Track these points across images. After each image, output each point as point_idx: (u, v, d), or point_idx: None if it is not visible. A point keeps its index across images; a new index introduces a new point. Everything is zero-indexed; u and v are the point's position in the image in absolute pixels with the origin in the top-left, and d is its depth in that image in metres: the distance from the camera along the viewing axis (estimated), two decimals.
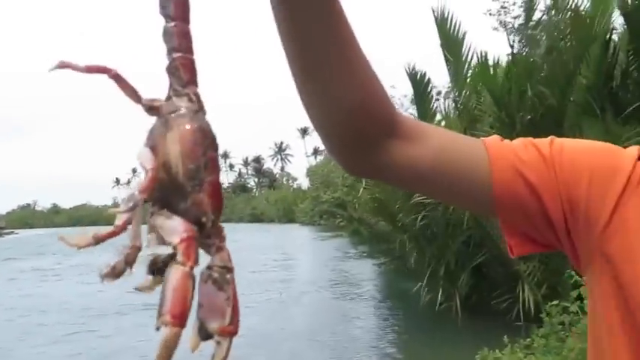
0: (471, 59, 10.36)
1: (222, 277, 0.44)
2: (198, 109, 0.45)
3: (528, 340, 5.48)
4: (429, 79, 10.78)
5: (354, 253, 24.59)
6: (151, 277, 0.43)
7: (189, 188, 0.43)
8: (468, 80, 10.57)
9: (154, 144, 0.43)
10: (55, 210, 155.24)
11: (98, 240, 0.42)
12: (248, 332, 9.99)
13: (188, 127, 0.43)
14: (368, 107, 0.71)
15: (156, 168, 0.43)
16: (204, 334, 0.44)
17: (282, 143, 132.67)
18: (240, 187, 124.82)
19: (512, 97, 9.26)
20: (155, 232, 0.43)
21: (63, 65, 0.43)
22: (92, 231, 0.42)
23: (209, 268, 0.44)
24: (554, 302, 5.70)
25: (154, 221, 0.43)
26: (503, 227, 0.77)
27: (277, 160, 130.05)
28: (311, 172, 65.44)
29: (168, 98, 0.45)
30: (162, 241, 0.43)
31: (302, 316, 11.46)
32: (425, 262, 10.68)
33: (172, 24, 0.46)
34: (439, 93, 15.05)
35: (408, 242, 11.05)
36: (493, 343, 5.26)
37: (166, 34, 0.46)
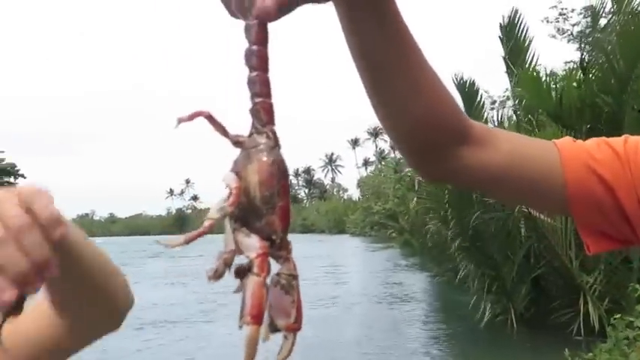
0: (534, 67, 10.12)
1: (289, 283, 0.53)
2: (275, 145, 0.54)
3: (590, 354, 5.29)
4: (478, 87, 10.63)
5: (405, 265, 24.36)
6: (239, 281, 0.52)
7: (264, 211, 0.52)
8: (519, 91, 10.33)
9: (237, 171, 0.53)
10: (112, 219, 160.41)
11: (188, 240, 0.51)
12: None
13: (265, 160, 0.53)
14: (434, 118, 0.73)
15: (239, 187, 0.52)
16: (273, 329, 0.52)
17: (332, 154, 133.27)
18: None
19: (571, 110, 9.01)
20: (234, 244, 0.53)
21: (181, 120, 0.53)
22: (183, 236, 0.51)
23: (278, 275, 0.53)
24: (619, 315, 5.48)
25: (235, 236, 0.53)
26: (578, 226, 0.78)
27: (328, 171, 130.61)
28: (362, 183, 65.44)
29: (250, 135, 0.54)
30: (239, 251, 0.52)
31: (352, 327, 11.41)
32: (480, 274, 10.45)
33: (255, 74, 0.55)
34: (494, 102, 14.78)
35: (464, 253, 10.84)
36: (552, 358, 5.09)
37: (250, 82, 0.55)
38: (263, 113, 0.55)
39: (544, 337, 8.92)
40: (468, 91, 10.48)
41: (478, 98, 10.70)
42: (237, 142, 0.54)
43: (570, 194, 0.75)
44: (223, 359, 8.30)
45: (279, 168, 0.54)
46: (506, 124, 11.02)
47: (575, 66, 10.33)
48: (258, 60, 0.55)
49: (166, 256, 33.81)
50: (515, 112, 10.80)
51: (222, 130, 0.54)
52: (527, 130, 9.32)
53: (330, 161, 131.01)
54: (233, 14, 0.59)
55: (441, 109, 0.74)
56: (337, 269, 24.36)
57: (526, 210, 8.92)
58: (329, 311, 13.40)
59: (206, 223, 0.51)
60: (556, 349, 5.54)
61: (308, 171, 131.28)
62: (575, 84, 9.46)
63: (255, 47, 0.56)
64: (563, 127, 8.87)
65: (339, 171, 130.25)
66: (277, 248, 0.53)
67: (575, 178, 0.74)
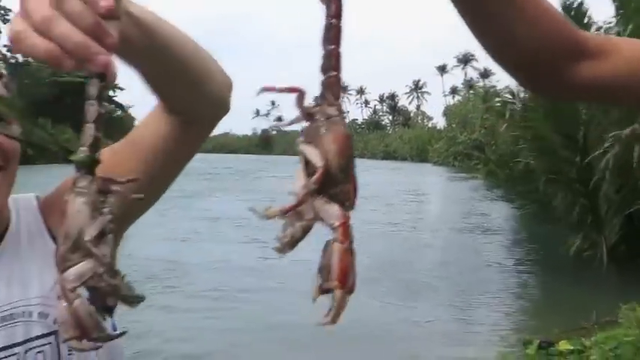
0: None
1: (344, 247, 0.53)
2: (344, 118, 0.57)
3: None
4: (586, 9, 10.02)
5: (490, 196, 23.88)
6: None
7: (341, 179, 0.53)
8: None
9: (312, 142, 0.54)
10: None
11: (284, 211, 0.53)
12: (374, 256, 10.21)
13: (342, 130, 0.55)
14: (542, 36, 0.73)
15: (326, 165, 0.52)
16: (325, 290, 0.53)
17: (419, 81, 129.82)
18: (374, 124, 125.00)
19: None
20: (313, 211, 0.54)
21: (266, 89, 0.56)
22: (274, 204, 0.53)
23: (334, 238, 0.53)
24: None
25: (314, 204, 0.53)
26: None
27: (413, 98, 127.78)
28: (448, 112, 63.80)
29: (318, 106, 0.56)
30: (319, 219, 0.53)
31: (432, 251, 11.46)
32: (570, 208, 10.09)
33: (332, 47, 0.57)
34: (598, 29, 13.75)
35: (557, 183, 10.44)
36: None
37: (326, 55, 0.57)
38: (335, 87, 0.56)
39: (633, 275, 8.60)
40: (575, 14, 9.93)
41: (585, 20, 10.10)
42: (309, 114, 0.56)
43: None
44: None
45: (351, 138, 0.55)
46: None
47: None
48: (335, 34, 0.57)
49: (252, 176, 34.88)
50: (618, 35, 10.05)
51: (301, 103, 0.56)
52: None
53: (416, 88, 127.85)
54: None
55: (548, 26, 0.73)
56: (418, 197, 24.29)
57: None
58: (409, 233, 13.50)
59: (298, 199, 0.52)
60: None
61: (392, 97, 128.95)
62: None
63: (333, 21, 0.57)
64: None
65: (424, 98, 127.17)
66: None
67: None
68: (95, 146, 0.51)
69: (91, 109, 0.52)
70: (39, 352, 0.93)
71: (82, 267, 0.47)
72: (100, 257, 0.47)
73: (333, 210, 0.53)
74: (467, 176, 36.99)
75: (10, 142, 0.92)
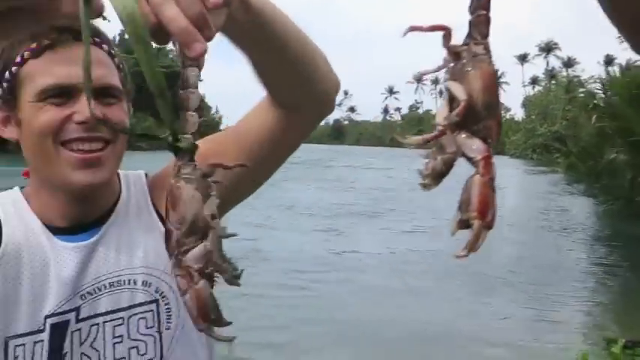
0: None
1: (484, 180, 0.54)
2: (490, 56, 0.57)
3: None
4: None
5: (570, 190, 22.93)
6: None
7: (484, 115, 0.53)
8: None
9: (456, 79, 0.55)
10: None
11: (426, 141, 0.54)
12: (449, 251, 9.99)
13: (489, 67, 0.55)
14: None
15: (469, 100, 0.53)
16: (464, 225, 0.54)
17: (497, 70, 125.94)
18: None
19: None
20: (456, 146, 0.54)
21: (413, 28, 0.56)
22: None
23: (476, 173, 0.54)
24: None
25: (457, 139, 0.54)
26: None
27: None
28: (527, 103, 61.59)
29: (466, 44, 0.56)
30: (461, 153, 0.54)
31: (508, 246, 11.13)
32: None
33: None
34: None
35: None
36: None
37: None
38: (484, 26, 0.56)
39: None
40: None
41: None
42: (455, 53, 0.56)
43: None
44: None
45: (496, 76, 0.56)
46: None
47: None
48: None
49: (323, 166, 35.04)
50: None
51: (449, 42, 0.56)
52: None
53: None
54: None
55: None
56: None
57: None
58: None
59: (439, 129, 0.53)
60: None
61: None
62: None
63: None
64: None
65: (502, 89, 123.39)
66: None
67: None
68: (197, 133, 0.53)
69: (193, 97, 0.54)
70: (141, 318, 0.99)
71: (199, 250, 0.50)
72: (216, 238, 0.50)
73: (476, 144, 0.53)
74: (546, 170, 35.68)
75: (118, 117, 0.97)
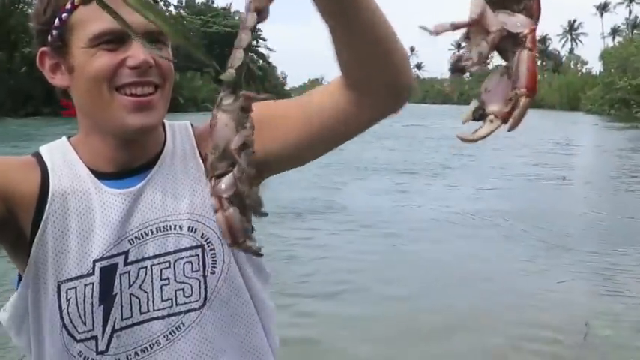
0: None
1: (533, 54, 0.54)
2: None
3: None
4: None
5: None
6: (483, 125, 0.54)
7: None
8: None
9: None
10: None
11: (455, 27, 0.53)
12: (519, 208, 9.80)
13: None
14: None
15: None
16: (479, 116, 0.54)
17: (574, 21, 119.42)
18: None
19: None
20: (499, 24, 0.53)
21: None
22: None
23: (505, 67, 0.54)
24: None
25: (498, 17, 0.53)
26: None
27: (566, 40, 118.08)
28: (606, 55, 58.14)
29: None
30: (504, 31, 0.52)
31: (582, 205, 10.73)
32: None
33: None
34: None
35: None
36: None
37: None
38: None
39: None
40: None
41: None
42: None
43: None
44: None
45: None
46: None
47: None
48: None
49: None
50: None
51: None
52: None
53: (571, 29, 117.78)
54: None
55: None
56: (569, 147, 22.73)
57: None
58: (559, 187, 12.76)
59: (472, 16, 0.53)
60: None
61: (543, 40, 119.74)
62: None
63: None
64: None
65: (579, 41, 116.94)
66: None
67: None
68: (241, 68, 0.55)
69: (244, 37, 0.55)
70: (187, 262, 1.02)
71: (228, 179, 0.53)
72: (244, 165, 0.52)
73: (521, 19, 0.53)
74: (625, 125, 33.84)
75: (166, 62, 0.99)
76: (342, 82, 0.92)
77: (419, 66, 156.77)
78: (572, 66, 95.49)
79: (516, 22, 0.53)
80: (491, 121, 0.54)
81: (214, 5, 76.11)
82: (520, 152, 18.68)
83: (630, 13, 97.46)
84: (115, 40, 0.95)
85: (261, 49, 76.50)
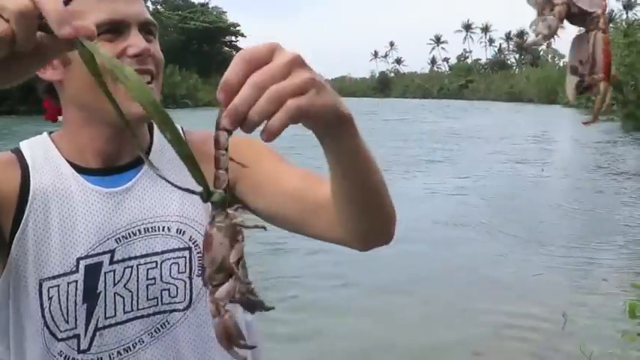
0: None
1: (607, 37, 0.53)
2: None
3: None
4: None
5: (627, 139, 22.10)
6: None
7: None
8: None
9: None
10: None
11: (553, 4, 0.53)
12: (495, 199, 9.92)
13: None
14: None
15: None
16: (582, 88, 0.53)
17: None
18: (500, 64, 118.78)
19: None
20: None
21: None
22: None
23: (597, 30, 0.53)
24: None
25: None
26: None
27: None
28: None
29: None
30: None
31: (557, 195, 10.89)
32: None
33: None
34: None
35: None
36: None
37: None
38: None
39: None
40: None
41: None
42: None
43: None
44: None
45: None
46: None
47: None
48: None
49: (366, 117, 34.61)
50: None
51: None
52: None
53: None
54: None
55: None
56: (546, 137, 23.04)
57: None
58: (537, 173, 12.93)
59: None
60: None
61: (521, 34, 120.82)
62: None
63: None
64: None
65: (557, 35, 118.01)
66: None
67: None
68: (226, 187, 0.60)
69: (222, 158, 0.59)
70: (174, 263, 1.02)
71: (228, 286, 0.59)
72: (242, 278, 0.59)
73: None
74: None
75: (159, 52, 1.00)
76: (334, 219, 0.92)
77: (398, 61, 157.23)
78: (549, 60, 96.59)
79: (590, 0, 0.52)
80: (603, 88, 0.53)
81: (192, 1, 75.56)
82: (498, 146, 18.88)
83: (606, 7, 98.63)
84: (113, 29, 0.95)
85: (241, 44, 76.16)
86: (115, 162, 1.03)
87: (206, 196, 0.59)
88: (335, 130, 0.72)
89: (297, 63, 0.61)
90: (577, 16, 0.52)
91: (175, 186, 0.62)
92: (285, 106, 0.58)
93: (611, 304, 5.20)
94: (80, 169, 1.02)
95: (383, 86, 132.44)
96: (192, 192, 0.59)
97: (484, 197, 10.60)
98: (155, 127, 1.09)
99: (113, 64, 0.56)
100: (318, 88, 0.62)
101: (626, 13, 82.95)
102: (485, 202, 10.16)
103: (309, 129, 0.69)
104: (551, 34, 0.51)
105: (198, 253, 1.02)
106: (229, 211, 0.60)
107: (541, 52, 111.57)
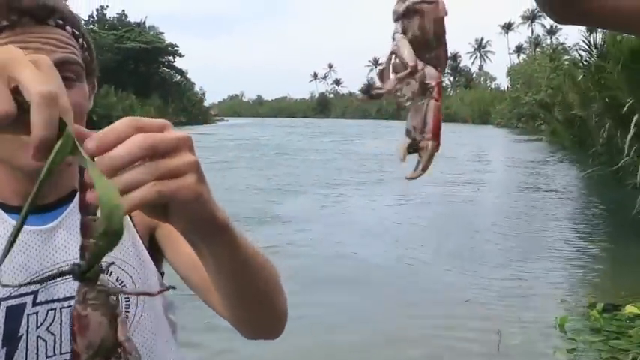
0: None
1: (439, 104, 0.60)
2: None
3: None
4: None
5: (555, 158, 23.15)
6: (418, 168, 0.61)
7: (435, 45, 0.59)
8: None
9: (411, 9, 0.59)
10: (259, 101, 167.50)
11: (400, 79, 0.58)
12: (433, 218, 10.15)
13: (438, 6, 0.59)
14: None
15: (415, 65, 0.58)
16: (413, 150, 0.59)
17: (482, 39, 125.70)
18: None
19: None
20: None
21: None
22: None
23: (430, 98, 0.59)
24: None
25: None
26: None
27: (476, 57, 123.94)
28: (512, 72, 61.58)
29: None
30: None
31: (491, 213, 11.25)
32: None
33: None
34: None
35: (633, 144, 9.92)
36: None
37: None
38: None
39: None
40: None
41: None
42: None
43: None
44: None
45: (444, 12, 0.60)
46: None
47: None
48: None
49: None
50: None
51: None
52: None
53: (479, 47, 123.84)
54: None
55: None
56: (480, 157, 23.82)
57: None
58: (471, 195, 13.29)
59: (409, 68, 0.58)
60: None
61: (454, 57, 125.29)
62: None
63: None
64: None
65: (488, 58, 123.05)
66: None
67: None
68: (97, 262, 0.54)
69: (93, 224, 0.57)
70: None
71: None
72: (134, 351, 0.52)
73: (431, 72, 0.59)
74: (531, 138, 35.84)
75: (79, 103, 0.94)
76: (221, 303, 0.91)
77: (337, 82, 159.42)
78: (482, 82, 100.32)
79: (428, 74, 0.59)
80: (430, 149, 0.60)
81: (128, 20, 74.25)
82: (435, 166, 19.32)
83: (532, 32, 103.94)
84: None
85: (178, 64, 75.25)
86: (38, 201, 0.99)
87: (80, 272, 0.54)
88: (210, 239, 0.69)
89: (187, 144, 0.59)
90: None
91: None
92: (147, 186, 0.55)
93: (542, 320, 5.36)
94: (3, 207, 0.97)
95: (322, 107, 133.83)
96: (64, 273, 0.55)
97: (421, 215, 10.82)
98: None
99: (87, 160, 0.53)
100: (199, 176, 0.60)
101: (550, 38, 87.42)
102: (422, 221, 10.37)
103: (181, 233, 0.67)
104: (416, 95, 0.58)
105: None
106: (98, 283, 0.54)
107: (474, 75, 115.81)
